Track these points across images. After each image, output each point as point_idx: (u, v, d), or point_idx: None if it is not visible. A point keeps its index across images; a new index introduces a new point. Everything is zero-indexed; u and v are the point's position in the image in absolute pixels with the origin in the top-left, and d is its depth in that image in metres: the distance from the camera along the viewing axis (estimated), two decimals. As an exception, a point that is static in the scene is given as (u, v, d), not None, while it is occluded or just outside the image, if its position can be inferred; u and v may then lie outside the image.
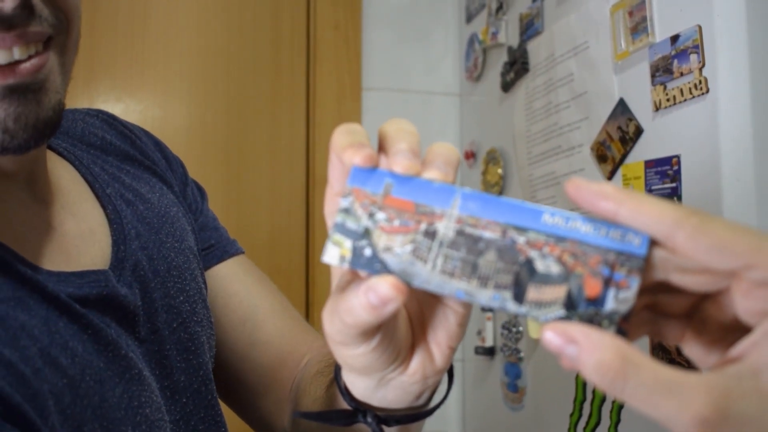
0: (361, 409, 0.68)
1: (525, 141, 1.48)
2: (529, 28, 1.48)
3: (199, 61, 1.70)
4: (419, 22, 1.84)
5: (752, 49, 1.06)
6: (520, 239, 0.46)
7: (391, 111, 1.79)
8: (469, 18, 1.77)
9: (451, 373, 0.74)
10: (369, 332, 0.53)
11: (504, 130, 1.57)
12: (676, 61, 1.12)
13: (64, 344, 0.65)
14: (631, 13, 1.21)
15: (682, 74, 1.11)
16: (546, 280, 0.46)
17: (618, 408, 1.20)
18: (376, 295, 0.47)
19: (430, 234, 0.47)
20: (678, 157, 1.12)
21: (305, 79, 1.76)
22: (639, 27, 1.19)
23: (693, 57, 1.09)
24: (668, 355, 1.11)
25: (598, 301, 0.45)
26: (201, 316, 0.85)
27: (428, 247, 0.47)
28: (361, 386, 0.69)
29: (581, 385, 1.29)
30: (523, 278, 0.46)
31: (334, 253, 0.48)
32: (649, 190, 1.16)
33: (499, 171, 1.57)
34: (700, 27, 1.09)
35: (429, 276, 0.47)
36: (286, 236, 1.73)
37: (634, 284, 0.44)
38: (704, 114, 1.08)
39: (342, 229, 0.49)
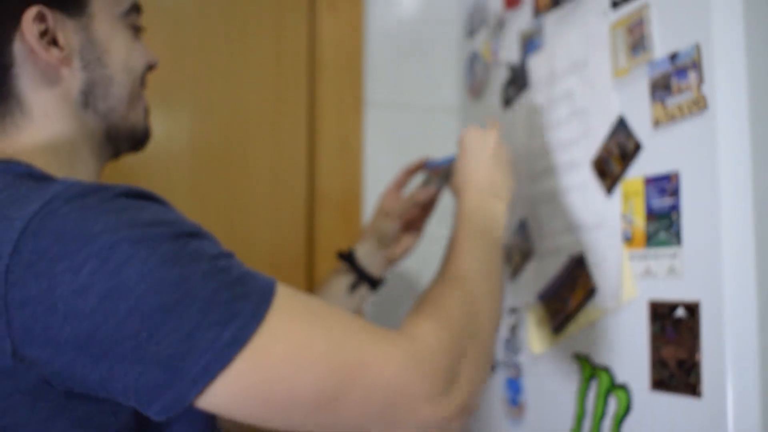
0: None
1: (525, 157, 1.49)
2: (530, 44, 1.50)
3: (200, 77, 1.72)
4: (420, 37, 1.85)
5: (750, 66, 1.07)
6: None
7: (394, 127, 1.80)
8: (470, 34, 1.79)
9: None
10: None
11: (506, 145, 1.58)
12: (675, 78, 1.13)
13: None
14: (630, 31, 1.22)
15: (681, 91, 1.12)
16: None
17: (619, 422, 1.21)
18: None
19: None
20: (677, 173, 1.13)
21: (307, 94, 1.78)
22: (638, 44, 1.20)
23: (692, 74, 1.11)
24: (668, 369, 1.12)
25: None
26: None
27: None
28: (362, 252, 1.49)
29: (582, 400, 1.30)
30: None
31: None
32: (649, 206, 1.17)
33: (500, 186, 1.59)
34: (698, 45, 1.10)
35: None
36: (286, 253, 1.75)
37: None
38: (703, 130, 1.09)
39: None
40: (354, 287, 1.46)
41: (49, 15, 0.93)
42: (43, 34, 0.93)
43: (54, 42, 0.94)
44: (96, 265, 0.76)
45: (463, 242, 1.14)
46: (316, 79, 1.77)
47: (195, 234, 0.84)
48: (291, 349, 0.82)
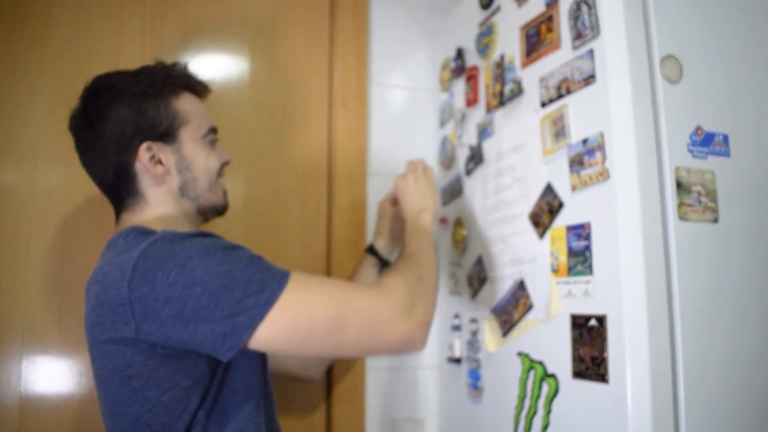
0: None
1: (482, 211, 1.50)
2: (484, 132, 1.52)
3: (252, 158, 1.73)
4: (408, 126, 1.87)
5: (639, 149, 1.09)
6: None
7: (388, 188, 1.81)
8: (442, 124, 1.81)
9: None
10: None
11: (467, 202, 1.59)
12: (586, 157, 1.15)
13: None
14: (554, 123, 1.24)
15: (590, 165, 1.14)
16: None
17: (549, 401, 1.20)
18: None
19: None
20: (589, 223, 1.14)
21: (327, 166, 1.79)
22: (560, 132, 1.22)
23: (598, 153, 1.13)
24: (584, 363, 1.12)
25: None
26: None
27: None
28: (381, 246, 1.58)
29: (523, 385, 1.29)
30: None
31: None
32: (570, 247, 1.18)
33: (464, 232, 1.59)
34: (602, 133, 1.12)
35: None
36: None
37: None
38: (606, 194, 1.11)
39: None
40: (380, 271, 1.56)
41: (155, 146, 1.14)
42: (152, 158, 1.14)
43: (159, 161, 1.14)
44: (179, 270, 0.95)
45: (410, 237, 1.32)
46: (332, 155, 1.78)
47: (236, 247, 1.03)
48: (307, 300, 1.00)
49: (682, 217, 1.09)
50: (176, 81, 1.18)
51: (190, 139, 1.17)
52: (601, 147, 1.12)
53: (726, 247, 1.11)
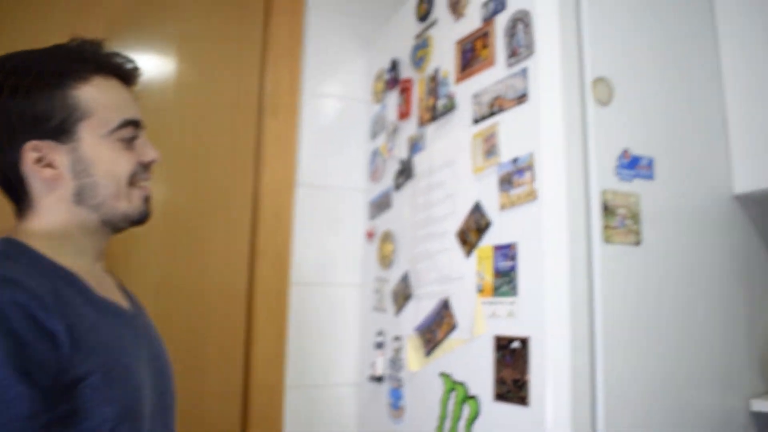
0: None
1: (410, 227, 1.47)
2: (415, 146, 1.49)
3: (176, 160, 1.65)
4: (340, 137, 1.83)
5: (568, 170, 1.08)
6: None
7: (316, 201, 1.77)
8: (373, 136, 1.77)
9: None
10: None
11: (396, 217, 1.56)
12: (516, 176, 1.14)
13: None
14: (486, 140, 1.22)
15: (520, 185, 1.12)
16: None
17: (470, 423, 1.17)
18: None
19: None
20: (516, 243, 1.12)
21: (253, 175, 1.73)
22: (491, 150, 1.21)
23: (527, 173, 1.11)
24: (506, 385, 1.09)
25: None
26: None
27: None
28: None
29: (444, 406, 1.26)
30: None
31: None
32: (496, 267, 1.16)
33: (391, 247, 1.56)
34: (532, 153, 1.11)
35: None
36: (231, 293, 1.67)
37: None
38: (533, 214, 1.09)
39: None
40: None
41: (43, 145, 0.94)
42: (39, 159, 0.94)
43: (49, 163, 0.95)
44: None
45: None
46: (260, 164, 1.72)
47: None
48: None
49: (607, 239, 1.09)
50: (87, 63, 0.98)
51: (90, 136, 0.97)
52: (530, 167, 1.11)
53: (647, 269, 1.12)
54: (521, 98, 1.15)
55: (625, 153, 1.15)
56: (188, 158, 1.66)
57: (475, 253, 1.22)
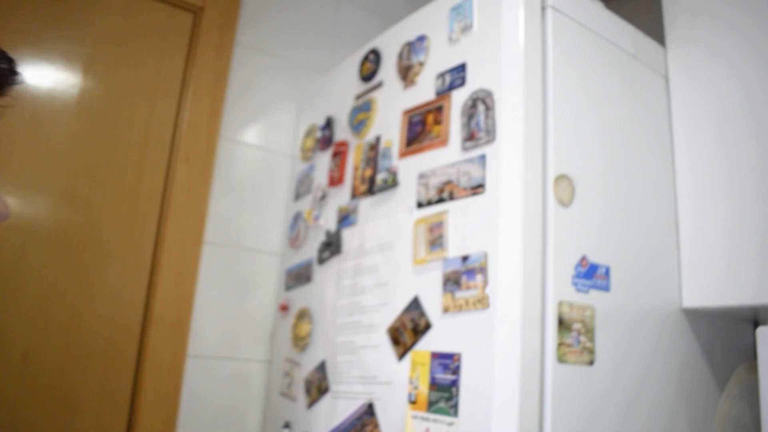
0: None
1: (332, 310, 1.30)
2: (345, 219, 1.33)
3: (71, 189, 1.41)
4: (258, 193, 1.64)
5: (525, 279, 0.95)
6: None
7: (225, 262, 1.57)
8: (297, 197, 1.60)
9: None
10: None
11: (316, 295, 1.38)
12: (465, 277, 1.00)
13: None
14: (431, 229, 1.08)
15: (468, 288, 0.99)
16: None
17: None
18: None
19: None
20: (459, 354, 0.98)
21: (155, 231, 1.50)
22: (437, 241, 1.06)
23: (479, 276, 0.98)
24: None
25: None
26: None
27: None
28: None
29: None
30: None
31: None
32: (433, 378, 1.00)
33: (308, 328, 1.38)
34: (486, 253, 0.98)
35: None
36: (117, 364, 1.43)
37: None
38: (484, 324, 0.95)
39: None
40: None
41: None
42: None
43: None
44: None
45: None
46: (166, 214, 1.51)
47: None
48: None
49: (561, 358, 0.96)
50: None
51: None
52: (483, 269, 0.97)
53: (599, 390, 1.02)
54: (477, 188, 1.02)
55: (583, 260, 1.04)
56: (83, 187, 1.42)
57: (409, 357, 1.06)
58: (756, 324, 1.40)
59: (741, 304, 1.14)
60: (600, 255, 1.07)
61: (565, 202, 1.04)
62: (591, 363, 1.01)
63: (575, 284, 1.02)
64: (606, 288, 1.06)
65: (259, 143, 1.67)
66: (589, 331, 1.02)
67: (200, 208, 1.54)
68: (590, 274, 1.05)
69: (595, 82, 1.15)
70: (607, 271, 1.07)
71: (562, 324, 0.98)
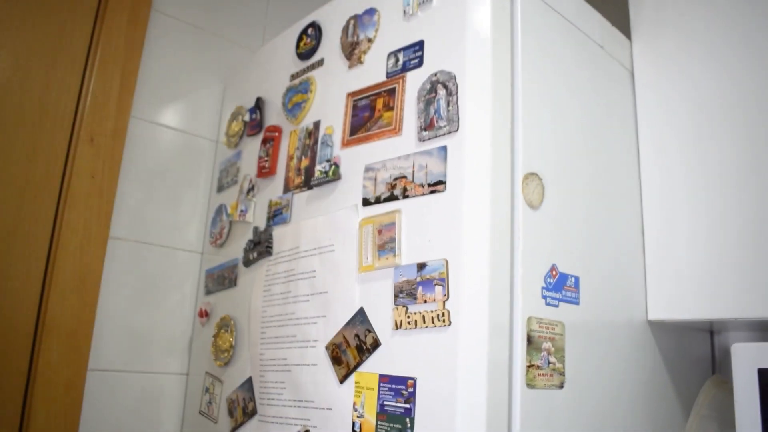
0: None
1: (259, 321, 1.13)
2: (277, 215, 1.16)
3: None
4: (175, 182, 1.45)
5: (492, 291, 0.82)
6: None
7: (135, 260, 1.36)
8: (220, 189, 1.42)
9: None
10: None
11: (241, 301, 1.21)
12: (420, 288, 0.85)
13: None
14: (380, 231, 0.93)
15: (426, 301, 0.84)
16: None
17: None
18: None
19: None
20: (414, 380, 0.83)
21: (52, 224, 1.28)
22: (387, 246, 0.91)
23: (438, 288, 0.83)
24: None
25: None
26: None
27: None
28: None
29: None
30: None
31: None
32: (382, 405, 0.86)
33: (231, 340, 1.20)
34: (447, 261, 0.83)
35: None
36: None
37: None
38: (444, 344, 0.81)
39: None
40: None
41: None
42: None
43: None
44: None
45: None
46: (64, 203, 1.29)
47: None
48: None
49: (530, 383, 0.84)
50: None
51: None
52: (443, 280, 0.83)
53: (569, 414, 0.91)
54: (436, 185, 0.87)
55: (552, 270, 0.92)
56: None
57: (353, 379, 0.91)
58: (712, 333, 1.34)
59: (707, 318, 1.06)
60: (569, 264, 0.95)
61: (534, 204, 0.91)
62: (561, 386, 0.89)
63: (545, 297, 0.89)
64: (575, 301, 0.95)
65: (178, 125, 1.47)
66: (559, 351, 0.90)
67: (106, 198, 1.33)
68: (560, 285, 0.93)
69: (564, 71, 1.03)
70: (577, 282, 0.96)
71: (531, 343, 0.85)
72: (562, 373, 0.90)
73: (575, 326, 0.94)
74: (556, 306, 0.91)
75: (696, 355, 1.28)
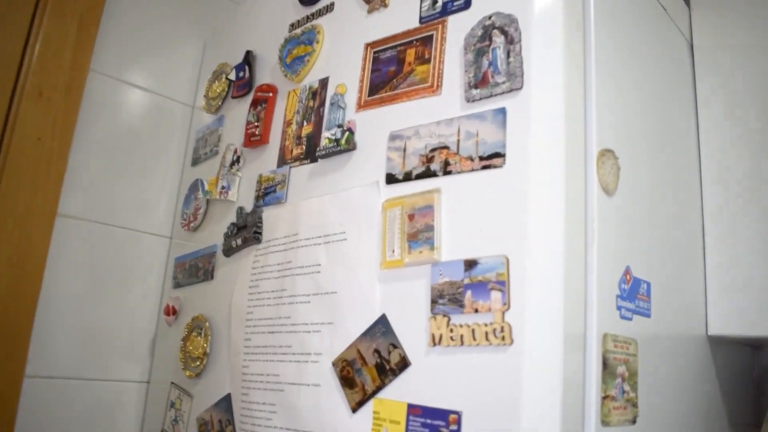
0: None
1: (243, 324, 0.91)
2: (269, 193, 0.94)
3: None
4: (141, 153, 1.21)
5: (567, 296, 0.62)
6: None
7: (88, 244, 1.13)
8: (196, 161, 1.19)
9: None
10: None
11: (219, 299, 0.98)
12: (469, 293, 0.65)
13: None
14: (411, 217, 0.72)
15: (477, 311, 0.64)
16: None
17: None
18: None
19: None
20: (458, 414, 0.63)
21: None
22: (421, 236, 0.71)
23: (495, 294, 0.63)
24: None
25: None
26: None
27: None
28: None
29: None
30: None
31: None
32: (412, 447, 0.65)
33: (205, 346, 0.98)
34: (507, 259, 0.63)
35: None
36: None
37: None
38: (503, 370, 0.61)
39: None
40: None
41: None
42: None
43: None
44: None
45: None
46: (1, 175, 1.04)
47: None
48: None
49: (605, 419, 0.65)
50: None
51: None
52: (502, 283, 0.63)
53: None
54: (491, 158, 0.67)
55: (626, 273, 0.73)
56: None
57: (370, 408, 0.70)
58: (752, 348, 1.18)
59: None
60: (642, 267, 0.77)
61: (609, 189, 0.72)
62: (633, 421, 0.70)
63: (619, 308, 0.71)
64: (647, 313, 0.77)
65: (147, 84, 1.24)
66: (633, 376, 0.71)
67: (55, 166, 1.10)
68: (633, 293, 0.74)
69: (634, 33, 0.84)
70: (648, 290, 0.77)
71: (606, 367, 0.66)
72: (636, 404, 0.71)
73: (646, 345, 0.75)
74: (630, 319, 0.72)
75: (740, 371, 1.11)
